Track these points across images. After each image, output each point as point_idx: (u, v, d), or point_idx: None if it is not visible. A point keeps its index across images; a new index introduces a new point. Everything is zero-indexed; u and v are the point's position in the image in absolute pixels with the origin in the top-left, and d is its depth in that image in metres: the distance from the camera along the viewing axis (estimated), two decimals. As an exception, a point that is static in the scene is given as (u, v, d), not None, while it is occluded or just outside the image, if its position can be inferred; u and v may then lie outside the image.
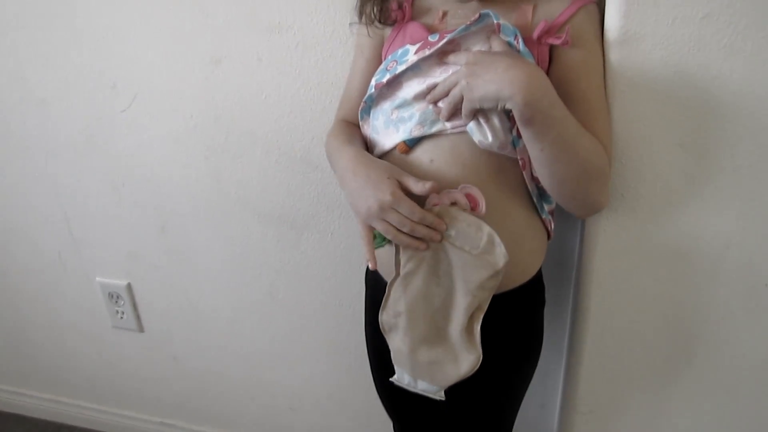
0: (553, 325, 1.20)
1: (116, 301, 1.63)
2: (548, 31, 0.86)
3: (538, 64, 0.85)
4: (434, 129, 0.89)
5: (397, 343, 0.94)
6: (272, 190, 1.32)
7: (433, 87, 0.87)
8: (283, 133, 1.25)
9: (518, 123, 0.80)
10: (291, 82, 1.19)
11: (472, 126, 0.85)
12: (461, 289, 0.87)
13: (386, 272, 0.96)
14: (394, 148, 0.92)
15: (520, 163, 0.88)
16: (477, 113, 0.84)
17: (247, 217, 1.38)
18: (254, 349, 1.57)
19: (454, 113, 0.85)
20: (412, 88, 0.90)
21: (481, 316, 0.88)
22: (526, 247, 0.93)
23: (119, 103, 1.34)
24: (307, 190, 1.29)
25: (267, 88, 1.21)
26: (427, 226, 0.84)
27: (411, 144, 0.91)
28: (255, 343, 1.56)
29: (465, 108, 0.83)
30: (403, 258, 0.88)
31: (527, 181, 0.90)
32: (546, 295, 1.05)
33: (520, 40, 0.82)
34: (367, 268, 1.09)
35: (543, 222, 0.96)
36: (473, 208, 0.85)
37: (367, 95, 0.95)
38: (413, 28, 0.93)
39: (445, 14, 0.93)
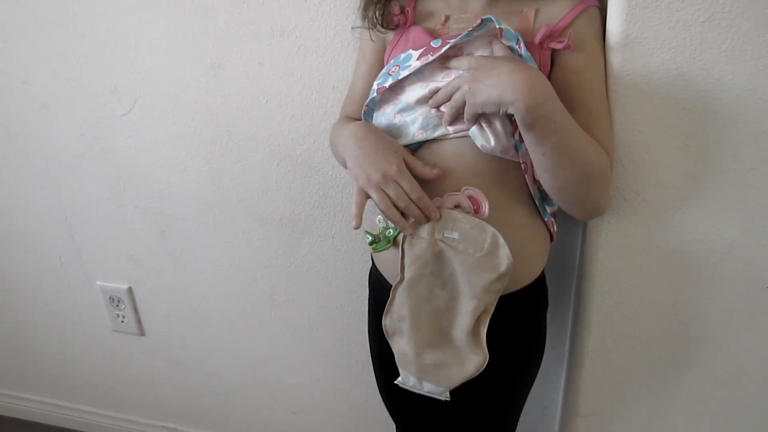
0: (555, 328, 1.20)
1: (117, 305, 1.63)
2: (550, 36, 0.86)
3: (540, 68, 0.85)
4: (437, 133, 0.89)
5: (401, 347, 0.94)
6: (273, 194, 1.32)
7: (436, 91, 0.87)
8: (284, 137, 1.25)
9: (520, 128, 0.80)
10: (292, 86, 1.19)
11: (474, 130, 0.85)
12: (466, 293, 0.87)
13: (389, 275, 0.96)
14: (397, 152, 0.92)
15: (522, 166, 0.88)
16: (479, 118, 0.84)
17: (248, 221, 1.38)
18: (255, 352, 1.57)
19: (457, 118, 0.86)
20: (414, 92, 0.90)
21: (488, 319, 0.88)
22: (529, 249, 0.93)
23: (120, 108, 1.34)
24: (309, 194, 1.29)
25: (268, 92, 1.21)
26: (421, 211, 0.86)
27: (414, 148, 0.91)
28: (256, 347, 1.56)
29: (467, 113, 0.83)
30: (406, 262, 0.88)
31: (529, 184, 0.90)
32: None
33: (522, 44, 0.82)
34: (370, 271, 1.09)
35: (545, 224, 0.96)
36: (476, 211, 0.85)
37: (369, 99, 0.95)
38: (416, 33, 0.93)
39: (447, 19, 0.93)
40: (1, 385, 1.99)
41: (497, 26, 0.81)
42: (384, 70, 0.93)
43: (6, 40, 1.35)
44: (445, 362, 0.91)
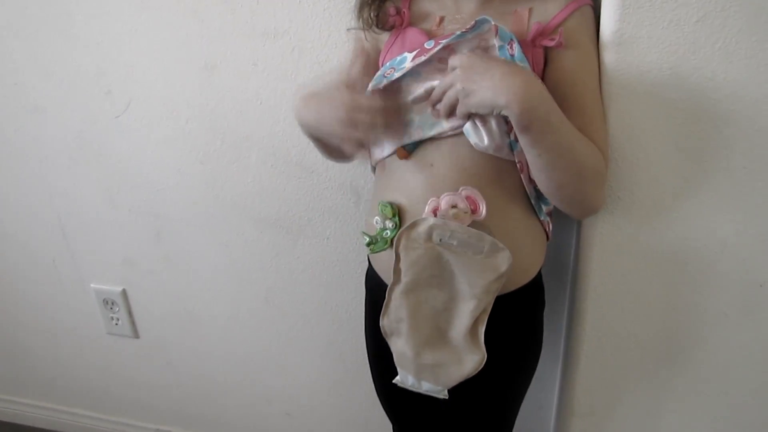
0: (550, 327, 1.20)
1: (111, 308, 1.62)
2: (542, 33, 0.86)
3: (533, 67, 0.85)
4: (433, 132, 0.89)
5: (399, 347, 0.94)
6: (268, 196, 1.32)
7: (432, 90, 0.87)
8: (278, 138, 1.24)
9: (515, 129, 0.81)
10: (287, 87, 1.19)
11: (468, 128, 0.86)
12: (465, 294, 0.88)
13: (387, 275, 0.96)
14: (394, 152, 0.92)
15: (518, 166, 0.88)
16: (473, 115, 0.84)
17: (242, 222, 1.37)
18: (250, 354, 1.57)
19: (451, 113, 0.86)
20: (410, 92, 0.90)
21: (486, 319, 0.88)
22: (525, 249, 0.93)
23: (114, 109, 1.33)
24: (303, 195, 1.29)
25: (262, 93, 1.21)
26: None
27: (410, 149, 0.91)
28: (251, 349, 1.56)
29: (459, 111, 0.83)
30: (404, 265, 0.89)
31: (525, 183, 0.90)
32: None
33: (516, 45, 0.82)
34: (367, 271, 1.09)
35: (541, 224, 0.96)
36: (473, 211, 0.85)
37: None
38: (412, 34, 0.93)
39: (442, 20, 0.93)
40: (-6, 388, 1.98)
41: (492, 24, 0.81)
42: (379, 72, 0.93)
43: (-1, 41, 1.34)
44: (443, 362, 0.92)
